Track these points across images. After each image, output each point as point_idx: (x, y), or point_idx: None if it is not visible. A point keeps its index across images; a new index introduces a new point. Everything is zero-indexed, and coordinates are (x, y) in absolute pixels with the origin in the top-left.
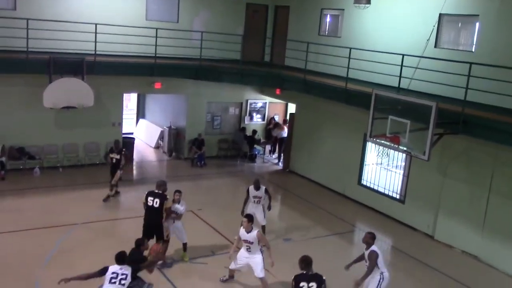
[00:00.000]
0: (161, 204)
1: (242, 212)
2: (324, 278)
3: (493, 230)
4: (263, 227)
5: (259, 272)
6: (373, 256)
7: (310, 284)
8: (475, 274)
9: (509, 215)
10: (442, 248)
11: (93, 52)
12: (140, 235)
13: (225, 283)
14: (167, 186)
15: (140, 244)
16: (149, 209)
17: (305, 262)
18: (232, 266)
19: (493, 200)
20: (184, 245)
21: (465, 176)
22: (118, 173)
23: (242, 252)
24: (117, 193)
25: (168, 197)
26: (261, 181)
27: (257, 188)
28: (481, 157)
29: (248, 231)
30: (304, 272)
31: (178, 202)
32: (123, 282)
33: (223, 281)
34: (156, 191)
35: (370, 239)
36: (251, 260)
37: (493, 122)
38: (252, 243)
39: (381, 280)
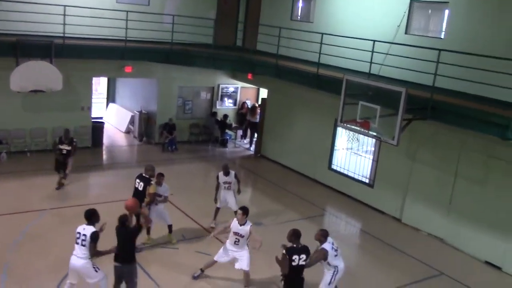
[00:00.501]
0: (144, 187)
1: (215, 199)
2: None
3: (458, 213)
4: (235, 213)
5: (245, 266)
6: (320, 255)
7: (301, 256)
8: (441, 256)
9: (473, 199)
10: (409, 231)
11: (62, 35)
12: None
13: (196, 279)
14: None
15: (124, 220)
16: (134, 190)
17: (295, 235)
18: (216, 258)
19: (459, 185)
20: (170, 227)
21: (432, 161)
22: (70, 162)
23: (228, 245)
24: (61, 184)
25: (152, 182)
26: (230, 166)
27: (226, 173)
28: (449, 142)
29: (242, 224)
30: (295, 245)
31: (160, 185)
32: (83, 243)
33: (195, 277)
34: (144, 174)
35: (321, 236)
36: (238, 254)
37: (460, 108)
38: (242, 236)
39: (335, 273)
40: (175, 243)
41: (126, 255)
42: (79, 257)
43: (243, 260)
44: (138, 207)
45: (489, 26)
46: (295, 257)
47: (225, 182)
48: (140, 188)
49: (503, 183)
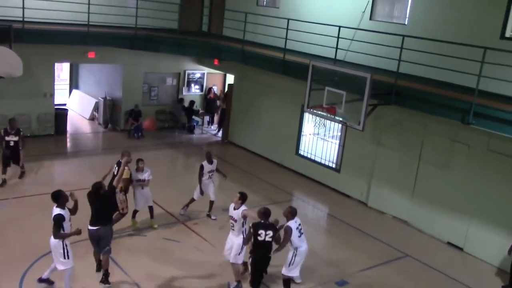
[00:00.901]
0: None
1: (201, 191)
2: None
3: (421, 196)
4: (212, 203)
5: (232, 256)
6: (288, 231)
7: (268, 232)
8: (405, 238)
9: (437, 183)
10: (374, 214)
11: (21, 19)
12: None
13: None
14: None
15: (99, 187)
16: (112, 176)
17: (265, 213)
18: (225, 252)
19: (422, 168)
20: (151, 209)
21: (397, 145)
22: (21, 155)
23: (229, 235)
24: (23, 173)
25: (126, 168)
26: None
27: (210, 161)
28: (412, 127)
29: (236, 208)
30: (262, 221)
31: (142, 170)
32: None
33: None
34: (121, 160)
35: (289, 213)
36: (231, 243)
37: (423, 93)
38: (235, 220)
39: (294, 254)
40: (156, 228)
41: (100, 219)
42: (51, 237)
43: (232, 249)
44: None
45: (451, 12)
46: (261, 231)
47: (210, 171)
48: (116, 174)
49: (466, 167)
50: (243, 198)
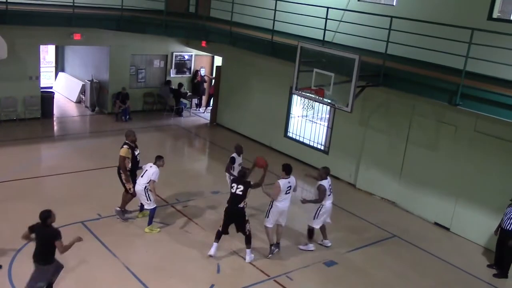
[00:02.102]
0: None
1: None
2: (252, 183)
3: (408, 177)
4: None
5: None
6: (321, 188)
7: (239, 186)
8: (393, 219)
9: (423, 164)
10: (363, 196)
11: (5, 0)
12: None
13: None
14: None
15: (46, 217)
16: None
17: (242, 175)
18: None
19: (409, 150)
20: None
21: (385, 127)
22: None
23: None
24: None
25: (125, 146)
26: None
27: (240, 153)
28: (400, 109)
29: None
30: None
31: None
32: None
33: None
34: (126, 141)
35: (323, 173)
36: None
37: (410, 75)
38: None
39: (319, 208)
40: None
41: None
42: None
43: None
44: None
45: None
46: (234, 185)
47: (239, 164)
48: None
49: (453, 148)
50: (285, 170)
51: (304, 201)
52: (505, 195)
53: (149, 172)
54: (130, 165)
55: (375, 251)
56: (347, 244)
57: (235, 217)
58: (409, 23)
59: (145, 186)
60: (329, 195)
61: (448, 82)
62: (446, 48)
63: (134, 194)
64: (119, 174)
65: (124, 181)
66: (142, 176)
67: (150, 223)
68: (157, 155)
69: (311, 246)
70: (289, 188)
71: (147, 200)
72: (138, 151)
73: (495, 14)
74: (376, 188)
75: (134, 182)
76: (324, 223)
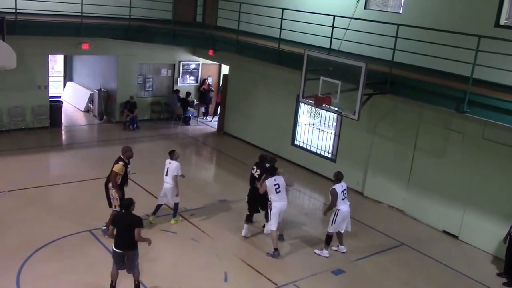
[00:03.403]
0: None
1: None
2: (268, 166)
3: (416, 185)
4: None
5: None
6: (332, 192)
7: (256, 170)
8: (401, 227)
9: (431, 171)
10: (370, 204)
11: (14, 11)
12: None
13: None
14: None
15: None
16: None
17: (261, 159)
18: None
19: (417, 157)
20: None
21: (392, 134)
22: None
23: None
24: None
25: (120, 162)
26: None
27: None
28: (407, 116)
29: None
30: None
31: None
32: None
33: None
34: (121, 156)
35: (334, 177)
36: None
37: (418, 82)
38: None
39: (336, 214)
40: (173, 223)
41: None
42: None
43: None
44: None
45: (445, 1)
46: (254, 167)
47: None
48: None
49: (460, 156)
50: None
51: (324, 213)
52: None
53: (171, 168)
54: (119, 181)
55: (383, 260)
56: (354, 252)
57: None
58: (416, 31)
59: (175, 183)
60: (342, 199)
61: (455, 89)
62: (453, 56)
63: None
64: (107, 188)
65: (112, 196)
66: (166, 175)
67: (175, 215)
68: (169, 150)
69: (325, 253)
70: (277, 185)
71: (175, 196)
72: (130, 168)
73: (502, 21)
74: (384, 196)
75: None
76: (342, 231)
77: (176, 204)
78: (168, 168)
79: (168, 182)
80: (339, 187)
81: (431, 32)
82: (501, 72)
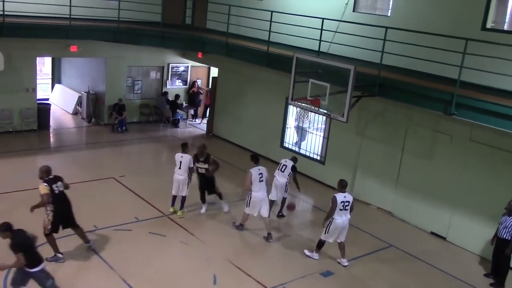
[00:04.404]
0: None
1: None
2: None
3: (405, 187)
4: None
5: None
6: (332, 199)
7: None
8: (389, 228)
9: (419, 173)
10: (359, 206)
11: (1, 13)
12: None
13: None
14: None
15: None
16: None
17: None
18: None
19: (405, 159)
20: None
21: (381, 136)
22: None
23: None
24: None
25: (43, 184)
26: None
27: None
28: (396, 118)
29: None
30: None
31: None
32: None
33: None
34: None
35: (337, 184)
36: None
37: (406, 85)
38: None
39: (329, 223)
40: (180, 215)
41: None
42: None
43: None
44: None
45: (433, 4)
46: (54, 185)
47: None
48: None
49: (448, 157)
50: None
51: (323, 224)
52: (500, 203)
53: (185, 161)
54: (51, 199)
55: (371, 261)
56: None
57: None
58: (404, 34)
59: (187, 174)
60: (341, 209)
61: (443, 91)
62: (441, 58)
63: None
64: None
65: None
66: (180, 168)
67: (182, 207)
68: (182, 143)
69: (315, 255)
70: (261, 175)
71: (187, 187)
72: (57, 184)
73: (489, 25)
74: (372, 198)
75: (62, 221)
76: (339, 240)
77: (184, 197)
78: (181, 161)
79: (181, 174)
80: (341, 197)
81: (419, 35)
82: (488, 75)
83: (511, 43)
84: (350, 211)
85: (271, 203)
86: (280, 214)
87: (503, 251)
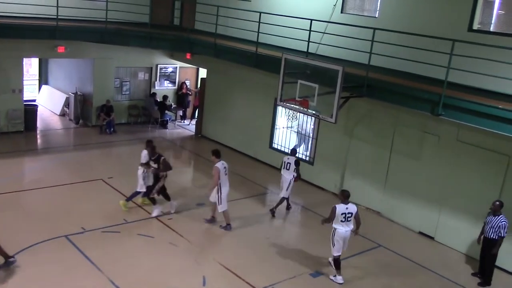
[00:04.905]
0: None
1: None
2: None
3: (393, 187)
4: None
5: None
6: (332, 209)
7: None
8: (378, 229)
9: (407, 173)
10: None
11: None
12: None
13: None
14: None
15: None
16: None
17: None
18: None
19: (394, 159)
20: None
21: (369, 137)
22: None
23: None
24: None
25: None
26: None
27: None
28: (384, 119)
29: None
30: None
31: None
32: None
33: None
34: None
35: (340, 195)
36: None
37: (394, 86)
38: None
39: (333, 234)
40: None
41: None
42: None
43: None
44: None
45: (420, 5)
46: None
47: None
48: None
49: (436, 157)
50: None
51: (322, 222)
52: (487, 203)
53: (141, 156)
54: None
55: (360, 261)
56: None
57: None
58: (392, 35)
59: (143, 169)
60: (342, 221)
61: (431, 92)
62: (428, 59)
63: None
64: None
65: None
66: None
67: (128, 199)
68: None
69: (339, 279)
70: (225, 169)
71: (142, 182)
72: None
73: (475, 26)
74: (361, 198)
75: None
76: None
77: (137, 192)
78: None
79: (139, 168)
80: (342, 208)
81: (406, 36)
82: (475, 76)
83: (497, 44)
84: (359, 224)
85: (282, 200)
86: (273, 211)
87: (491, 250)
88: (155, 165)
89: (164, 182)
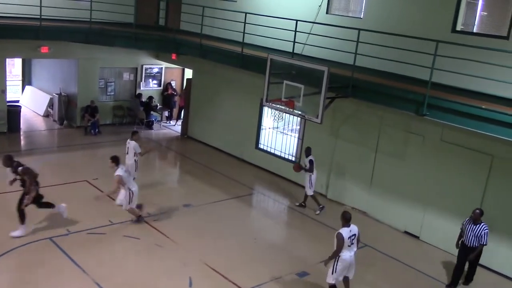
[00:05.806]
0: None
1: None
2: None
3: (378, 187)
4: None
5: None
6: (338, 237)
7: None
8: (364, 228)
9: (392, 173)
10: (334, 206)
11: None
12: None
13: None
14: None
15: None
16: None
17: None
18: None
19: (379, 159)
20: None
21: (355, 137)
22: None
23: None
24: None
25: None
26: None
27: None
28: (369, 119)
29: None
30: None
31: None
32: None
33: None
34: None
35: (341, 217)
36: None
37: (379, 86)
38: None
39: (336, 261)
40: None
41: None
42: None
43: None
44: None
45: (405, 6)
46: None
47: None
48: None
49: (420, 157)
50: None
51: (325, 263)
52: (471, 202)
53: (130, 146)
54: None
55: None
56: (319, 254)
57: None
58: (377, 36)
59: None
60: (349, 245)
61: (415, 93)
62: (413, 60)
63: None
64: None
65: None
66: (127, 153)
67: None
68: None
69: None
70: (127, 172)
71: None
72: None
73: (459, 27)
74: (347, 198)
75: None
76: (345, 276)
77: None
78: (128, 147)
79: (129, 159)
80: (346, 232)
81: (391, 37)
82: (459, 76)
83: (480, 45)
84: (358, 242)
85: (306, 197)
86: (303, 204)
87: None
88: (18, 177)
89: (35, 193)
